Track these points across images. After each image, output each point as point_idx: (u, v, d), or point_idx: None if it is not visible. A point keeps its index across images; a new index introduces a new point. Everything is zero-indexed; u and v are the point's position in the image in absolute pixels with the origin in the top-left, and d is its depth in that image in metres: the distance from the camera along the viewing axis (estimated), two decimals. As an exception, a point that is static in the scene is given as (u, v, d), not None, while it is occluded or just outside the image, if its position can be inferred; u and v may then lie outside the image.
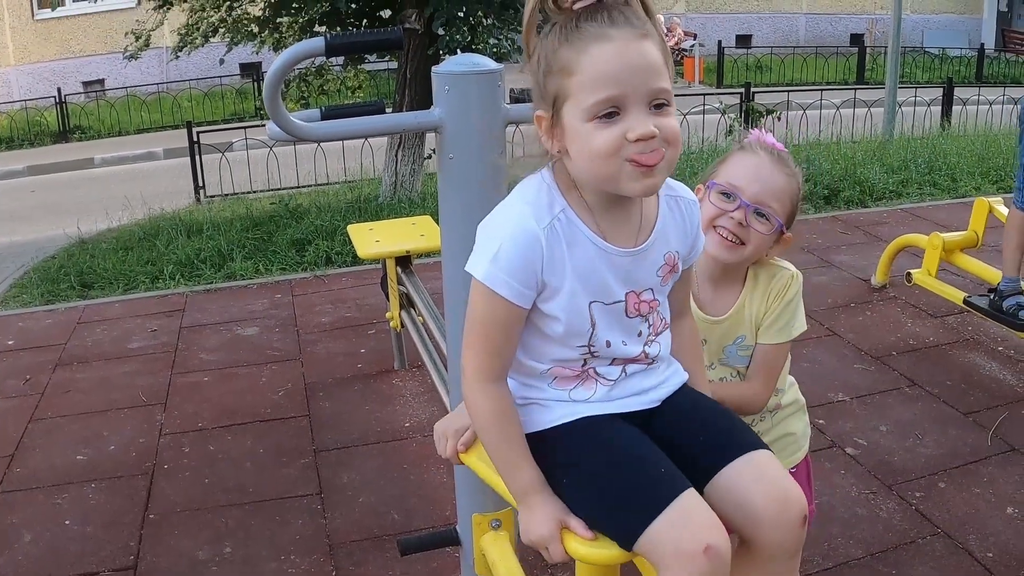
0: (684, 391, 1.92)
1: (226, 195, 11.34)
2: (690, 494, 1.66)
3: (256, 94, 19.05)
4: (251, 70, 18.82)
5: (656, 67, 1.62)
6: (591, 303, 1.77)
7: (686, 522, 1.62)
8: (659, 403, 1.88)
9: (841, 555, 3.21)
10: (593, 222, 1.74)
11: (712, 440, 1.79)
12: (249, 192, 11.27)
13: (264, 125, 10.18)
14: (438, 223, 4.73)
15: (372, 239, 4.37)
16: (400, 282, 4.34)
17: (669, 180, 1.81)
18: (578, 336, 1.78)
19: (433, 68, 2.37)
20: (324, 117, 2.38)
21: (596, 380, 1.84)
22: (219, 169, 11.10)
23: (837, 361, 4.76)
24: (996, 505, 3.51)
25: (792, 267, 2.34)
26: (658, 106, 1.63)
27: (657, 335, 1.87)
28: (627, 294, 1.79)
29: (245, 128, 12.02)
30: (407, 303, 4.39)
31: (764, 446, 1.79)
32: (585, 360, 1.82)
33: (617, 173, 1.63)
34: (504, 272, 1.70)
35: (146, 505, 3.60)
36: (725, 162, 2.29)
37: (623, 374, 1.85)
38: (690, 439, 1.81)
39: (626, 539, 1.67)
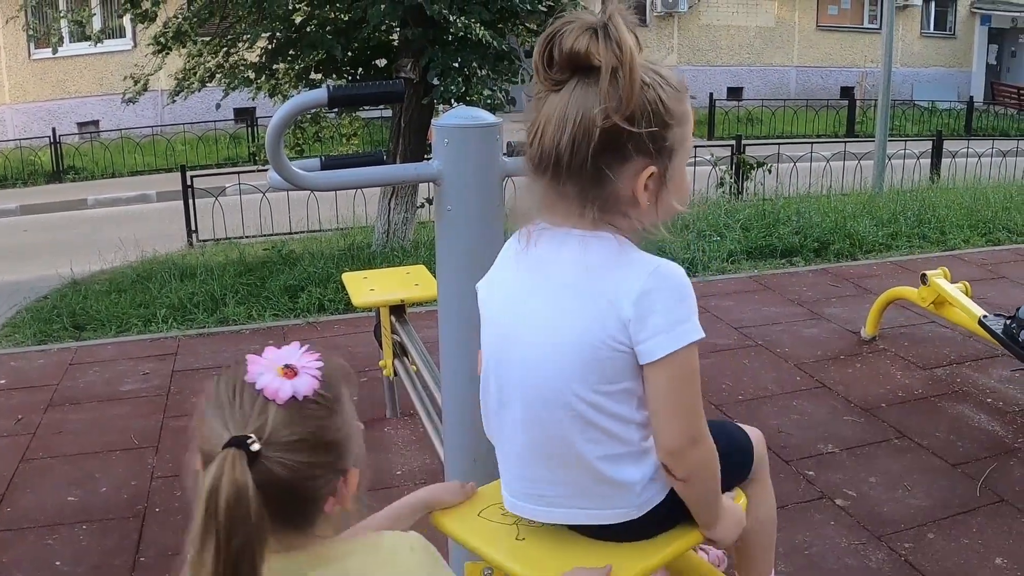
0: None
1: (219, 239, 11.36)
2: None
3: (250, 139, 19.10)
4: (245, 115, 18.90)
5: None
6: None
7: None
8: None
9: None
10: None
11: None
12: (242, 237, 11.29)
13: (258, 170, 10.25)
14: (432, 272, 4.77)
15: (367, 288, 4.40)
16: (394, 331, 4.36)
17: None
18: None
19: (433, 121, 2.42)
20: (324, 167, 2.42)
21: None
22: (212, 213, 11.12)
23: (827, 413, 4.79)
24: (985, 556, 3.53)
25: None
26: None
27: None
28: None
29: (239, 173, 12.08)
30: (400, 352, 4.41)
31: None
32: None
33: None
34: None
35: (137, 548, 3.60)
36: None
37: None
38: None
39: None
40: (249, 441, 1.31)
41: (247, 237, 11.23)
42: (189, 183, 11.90)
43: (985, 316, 4.98)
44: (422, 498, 2.08)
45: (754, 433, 2.26)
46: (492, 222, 2.47)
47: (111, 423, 4.71)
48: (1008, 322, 4.81)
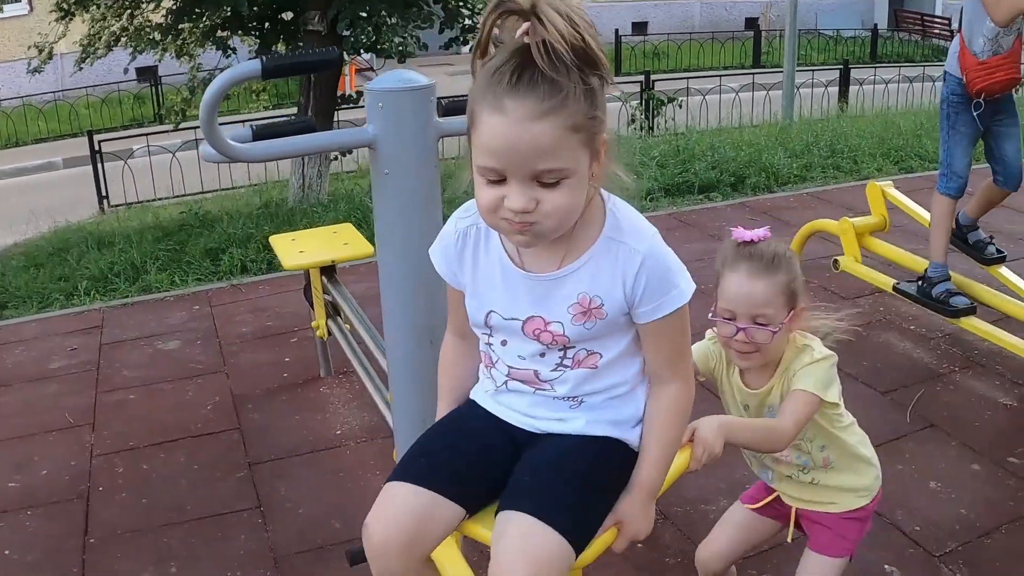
0: (570, 439, 1.93)
1: (130, 204, 11.17)
2: (408, 487, 1.86)
3: (154, 99, 18.75)
4: (148, 75, 18.48)
5: (543, 150, 1.62)
6: (489, 312, 1.90)
7: (381, 502, 1.89)
8: (536, 431, 1.96)
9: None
10: (510, 241, 1.82)
11: (515, 485, 1.88)
12: (154, 200, 11.12)
13: (166, 131, 10.07)
14: (359, 230, 4.75)
15: (295, 250, 4.36)
16: (325, 291, 4.34)
17: (620, 222, 1.82)
18: (479, 328, 1.95)
19: (367, 85, 2.40)
20: (256, 137, 2.39)
21: (491, 378, 1.99)
22: (122, 177, 10.92)
23: (755, 347, 4.86)
24: (919, 480, 3.64)
25: (819, 349, 2.41)
26: (548, 183, 1.65)
27: (575, 370, 1.91)
28: (529, 317, 1.86)
29: (147, 135, 11.87)
30: (333, 311, 4.39)
31: (541, 514, 1.78)
32: (490, 355, 1.97)
33: (497, 225, 1.72)
34: (436, 253, 1.98)
35: (85, 530, 3.55)
36: (719, 283, 2.39)
37: (504, 386, 1.96)
38: (516, 475, 1.91)
39: None
40: None
41: (159, 199, 11.06)
42: (97, 148, 11.66)
43: (897, 283, 5.16)
44: None
45: None
46: (429, 183, 2.47)
47: (44, 403, 4.61)
48: (920, 283, 4.99)
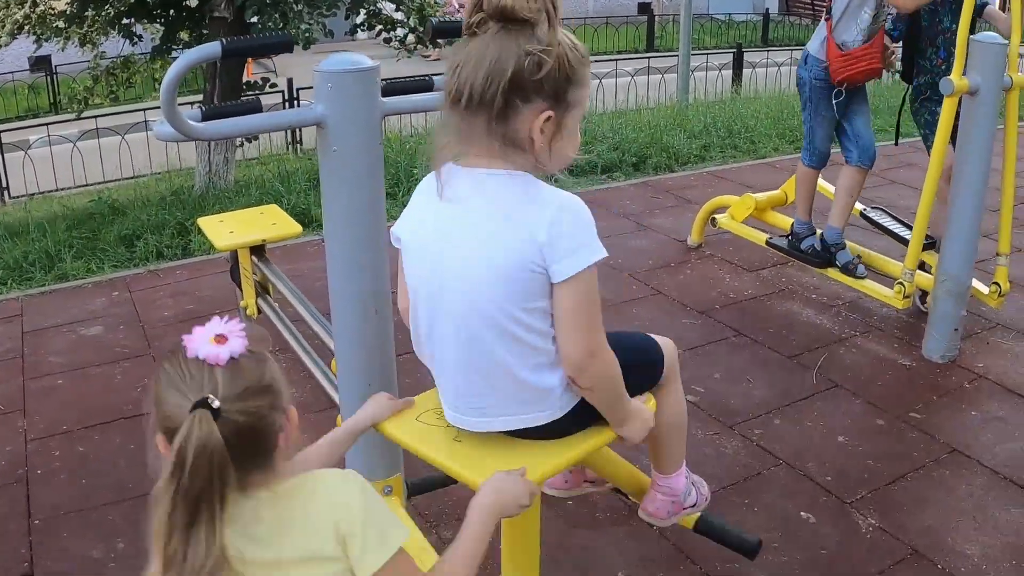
0: None
1: (32, 194, 11.01)
2: None
3: (50, 89, 18.35)
4: (42, 64, 18.10)
5: None
6: None
7: None
8: None
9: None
10: None
11: None
12: (56, 190, 10.98)
13: (67, 120, 9.89)
14: (285, 210, 4.84)
15: (225, 231, 4.44)
16: (254, 270, 4.44)
17: None
18: None
19: (315, 67, 2.53)
20: (204, 118, 2.50)
21: None
22: (22, 168, 10.75)
23: (665, 317, 5.09)
24: (827, 435, 3.89)
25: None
26: None
27: None
28: None
29: (48, 125, 11.70)
30: (261, 290, 4.49)
31: None
32: None
33: None
34: None
35: (28, 512, 3.60)
36: None
37: None
38: None
39: None
40: (210, 400, 1.52)
41: (62, 189, 10.92)
42: (-3, 139, 11.48)
43: (770, 237, 5.53)
44: (359, 420, 2.24)
45: (666, 344, 2.51)
46: (374, 159, 2.62)
47: (-29, 391, 4.63)
48: (789, 238, 5.37)
